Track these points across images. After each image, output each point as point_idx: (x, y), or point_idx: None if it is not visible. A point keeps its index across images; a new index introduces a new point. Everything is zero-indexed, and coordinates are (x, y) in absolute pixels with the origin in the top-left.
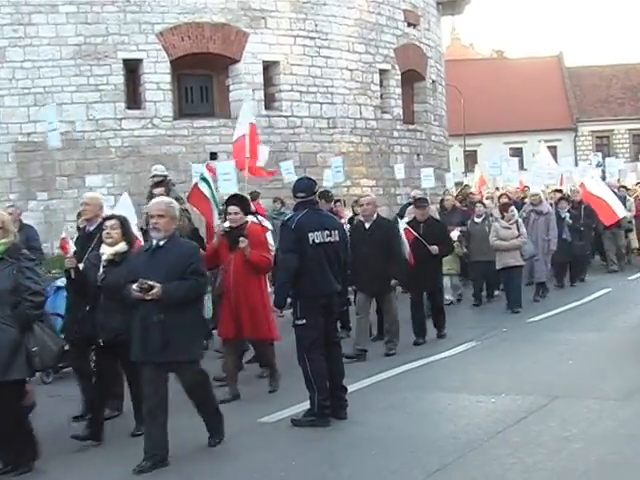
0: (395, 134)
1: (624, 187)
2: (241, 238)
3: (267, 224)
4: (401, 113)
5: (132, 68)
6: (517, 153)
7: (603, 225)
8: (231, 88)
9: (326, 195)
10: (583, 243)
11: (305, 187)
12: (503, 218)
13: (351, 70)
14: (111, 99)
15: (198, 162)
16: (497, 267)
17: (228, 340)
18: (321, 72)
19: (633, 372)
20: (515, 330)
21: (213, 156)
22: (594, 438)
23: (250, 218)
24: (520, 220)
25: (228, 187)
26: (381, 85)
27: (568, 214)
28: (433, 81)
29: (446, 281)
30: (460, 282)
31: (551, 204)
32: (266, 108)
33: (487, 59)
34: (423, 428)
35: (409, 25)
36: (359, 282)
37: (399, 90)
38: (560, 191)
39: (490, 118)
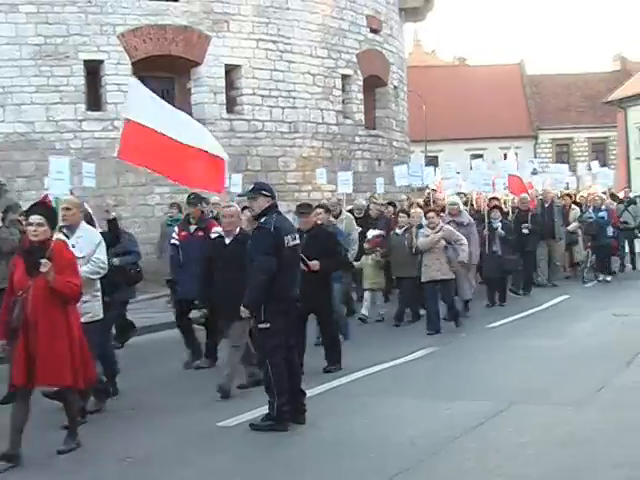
0: (357, 139)
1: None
2: (43, 260)
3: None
4: (363, 118)
5: (93, 69)
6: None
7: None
8: (193, 91)
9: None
10: (516, 257)
11: (270, 188)
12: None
13: (313, 75)
14: (71, 100)
15: None
16: (422, 280)
17: (19, 387)
18: (283, 76)
19: (589, 378)
20: (474, 336)
21: None
22: (550, 443)
23: (57, 235)
24: (448, 227)
25: (59, 187)
26: (343, 90)
27: (500, 224)
28: (395, 87)
29: (367, 296)
30: (383, 299)
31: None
32: (228, 112)
33: (449, 66)
34: (382, 433)
35: (372, 31)
36: (220, 307)
37: (361, 95)
38: (497, 199)
39: (451, 125)
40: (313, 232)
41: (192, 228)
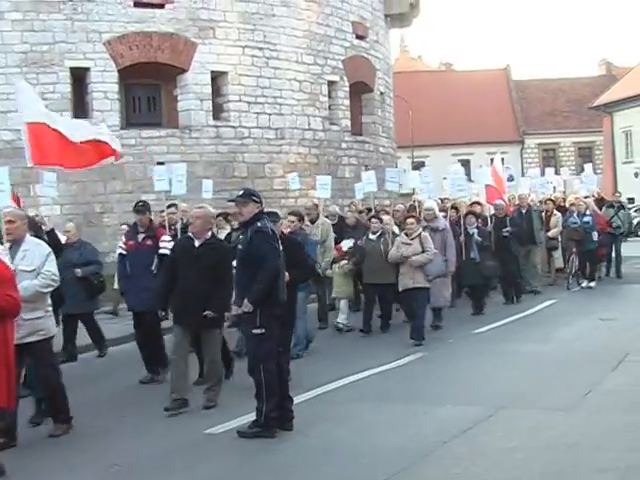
0: (343, 145)
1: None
2: None
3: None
4: (349, 124)
5: (79, 77)
6: (464, 165)
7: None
8: (179, 98)
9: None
10: (494, 263)
11: (259, 194)
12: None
13: (299, 81)
14: (58, 108)
15: (145, 172)
16: (399, 289)
17: None
18: (269, 83)
19: (576, 383)
20: (461, 341)
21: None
22: (538, 448)
23: None
24: (426, 234)
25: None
26: (329, 96)
27: (476, 230)
28: (381, 93)
29: (342, 304)
30: (351, 309)
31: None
32: (214, 118)
33: (435, 71)
34: (370, 439)
35: (358, 37)
36: (178, 312)
37: (347, 101)
38: (479, 204)
39: (438, 130)
40: (281, 241)
41: (140, 237)
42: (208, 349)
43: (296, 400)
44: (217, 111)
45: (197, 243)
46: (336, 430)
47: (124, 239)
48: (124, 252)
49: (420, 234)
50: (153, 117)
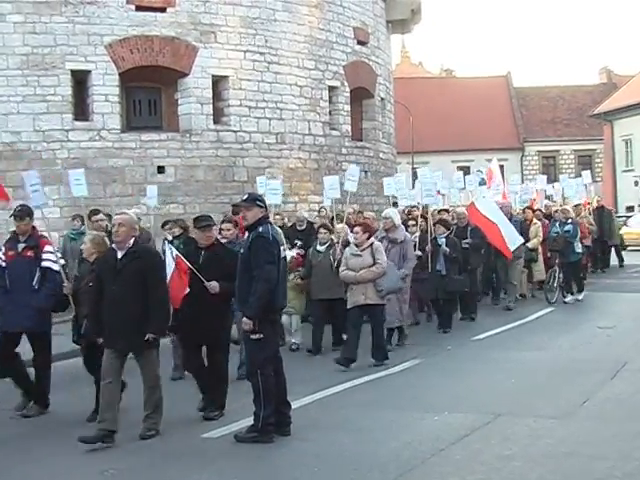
0: (343, 151)
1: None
2: None
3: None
4: (349, 130)
5: (80, 79)
6: (464, 171)
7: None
8: (180, 102)
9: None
10: (462, 278)
11: (263, 199)
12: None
13: (300, 86)
14: (58, 110)
15: (145, 175)
16: (348, 305)
17: None
18: (270, 87)
19: (573, 391)
20: (459, 348)
21: (160, 170)
22: (534, 456)
23: None
24: (379, 245)
25: None
26: (330, 102)
27: (445, 240)
28: (382, 99)
29: (285, 320)
30: (300, 325)
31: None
32: (214, 122)
33: (436, 78)
34: (366, 445)
35: (359, 43)
36: (107, 335)
37: (348, 107)
38: (447, 211)
39: (438, 136)
40: (213, 250)
41: (20, 246)
42: (146, 374)
43: (294, 405)
44: (218, 115)
45: (120, 254)
46: (333, 436)
47: (3, 249)
48: (2, 264)
49: (372, 244)
50: (154, 121)
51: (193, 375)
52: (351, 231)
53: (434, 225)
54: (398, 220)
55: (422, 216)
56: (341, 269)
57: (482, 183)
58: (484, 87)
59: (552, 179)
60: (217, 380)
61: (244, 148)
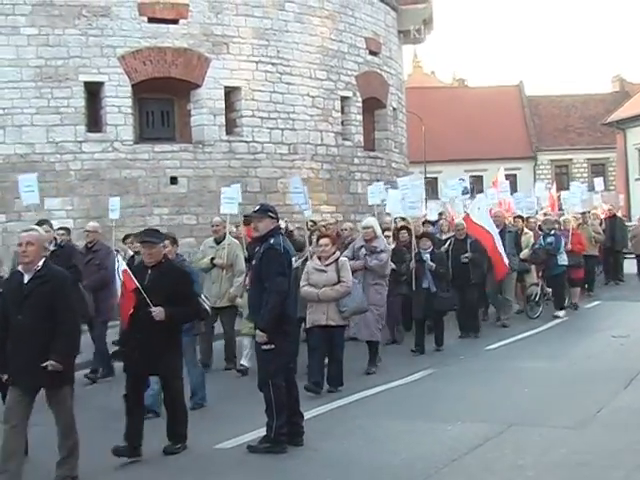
0: (356, 161)
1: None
2: None
3: None
4: (362, 140)
5: (93, 91)
6: (477, 181)
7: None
8: (192, 113)
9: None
10: (450, 295)
11: (275, 210)
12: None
13: (312, 97)
14: (72, 122)
15: (158, 186)
16: (307, 325)
17: None
18: (282, 98)
19: (586, 400)
20: (472, 358)
21: (173, 181)
22: (547, 466)
23: None
24: (345, 261)
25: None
26: (342, 112)
27: (429, 256)
28: (394, 109)
29: (246, 342)
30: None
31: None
32: (227, 133)
33: (448, 87)
34: (379, 455)
35: (371, 53)
36: (12, 371)
37: (360, 117)
38: (432, 223)
39: (451, 146)
40: (160, 268)
41: None
42: (58, 414)
43: (307, 415)
44: (230, 126)
45: (27, 278)
46: (346, 446)
47: None
48: None
49: (337, 260)
50: (166, 132)
51: (126, 411)
52: (317, 243)
53: (418, 239)
54: (379, 230)
55: (405, 227)
56: (302, 284)
57: (465, 192)
58: (496, 96)
59: (566, 188)
60: (173, 412)
61: (257, 159)
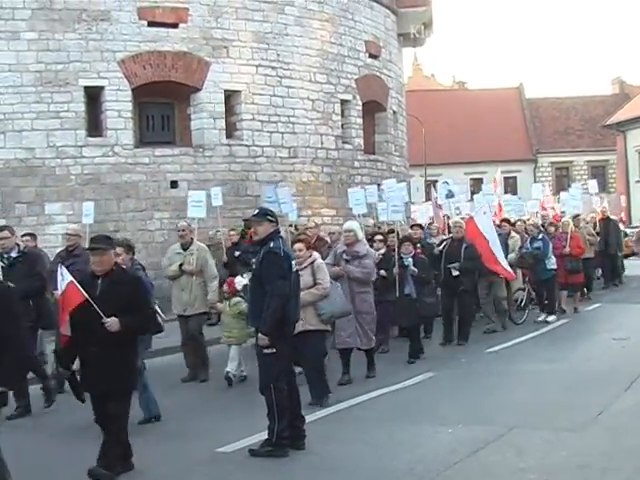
0: (356, 164)
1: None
2: None
3: None
4: (362, 143)
5: (93, 95)
6: (477, 183)
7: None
8: (192, 117)
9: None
10: (434, 300)
11: (274, 213)
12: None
13: (312, 100)
14: (72, 126)
15: (159, 190)
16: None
17: None
18: (283, 102)
19: (587, 403)
20: (473, 361)
21: (174, 184)
22: (548, 469)
23: None
24: (320, 263)
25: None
26: (342, 115)
27: (411, 260)
28: (394, 112)
29: (232, 352)
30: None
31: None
32: (227, 137)
33: (448, 90)
34: (381, 459)
35: (370, 56)
36: None
37: (360, 120)
38: (420, 226)
39: (451, 148)
40: (112, 277)
41: None
42: None
43: (308, 419)
44: (230, 130)
45: None
46: (347, 449)
47: None
48: None
49: (313, 263)
50: (166, 136)
51: (103, 429)
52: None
53: (400, 244)
54: (361, 234)
55: (392, 231)
56: None
57: (450, 195)
58: (496, 99)
59: (567, 190)
60: (113, 436)
61: (257, 162)
